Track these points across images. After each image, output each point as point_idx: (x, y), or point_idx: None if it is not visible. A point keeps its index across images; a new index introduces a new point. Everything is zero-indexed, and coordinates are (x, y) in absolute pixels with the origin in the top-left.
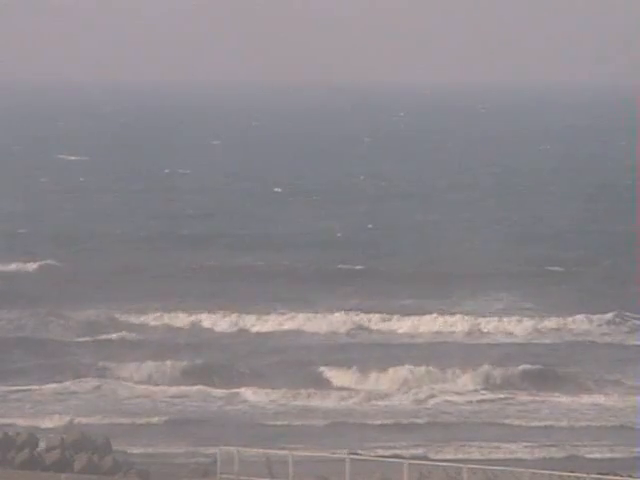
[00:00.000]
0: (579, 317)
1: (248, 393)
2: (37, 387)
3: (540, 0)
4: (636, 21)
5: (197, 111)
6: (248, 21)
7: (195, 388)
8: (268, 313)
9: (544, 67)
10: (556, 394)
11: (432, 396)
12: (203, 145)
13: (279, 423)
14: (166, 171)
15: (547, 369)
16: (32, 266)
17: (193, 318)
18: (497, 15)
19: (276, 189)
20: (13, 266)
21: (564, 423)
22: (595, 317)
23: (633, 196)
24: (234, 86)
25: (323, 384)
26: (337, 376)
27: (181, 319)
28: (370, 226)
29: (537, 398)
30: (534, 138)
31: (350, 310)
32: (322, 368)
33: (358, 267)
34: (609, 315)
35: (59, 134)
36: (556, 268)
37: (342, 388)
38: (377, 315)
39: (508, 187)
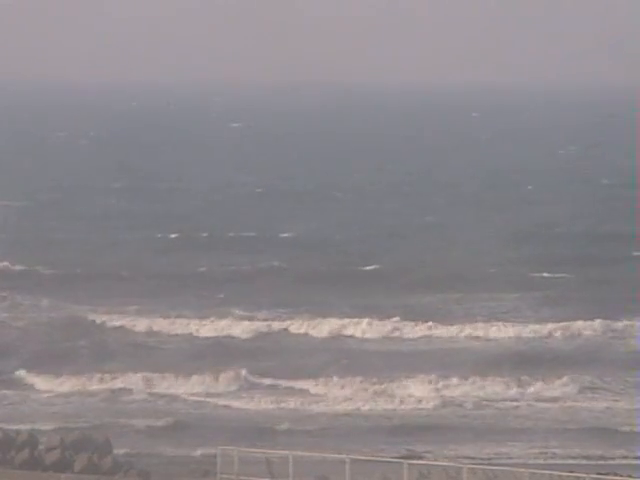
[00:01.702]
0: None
1: None
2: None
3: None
4: (634, 22)
5: (195, 111)
6: (247, 21)
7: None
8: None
9: (542, 67)
10: None
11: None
12: (197, 145)
13: None
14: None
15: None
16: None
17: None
18: (497, 15)
19: (259, 189)
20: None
21: None
22: None
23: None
24: (234, 86)
25: None
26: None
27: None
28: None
29: None
30: (531, 138)
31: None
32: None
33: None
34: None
35: (59, 135)
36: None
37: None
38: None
39: (504, 187)
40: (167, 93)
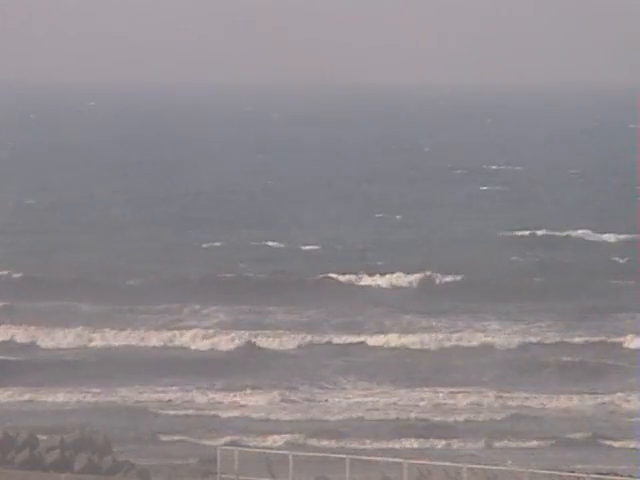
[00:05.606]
0: None
1: None
2: None
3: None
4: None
5: (195, 113)
6: (247, 22)
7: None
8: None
9: (543, 67)
10: None
11: None
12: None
13: None
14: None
15: None
16: None
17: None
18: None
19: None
20: None
21: None
22: None
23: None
24: (237, 87)
25: None
26: None
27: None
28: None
29: None
30: (529, 139)
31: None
32: None
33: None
34: None
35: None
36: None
37: None
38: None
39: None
40: (167, 95)
